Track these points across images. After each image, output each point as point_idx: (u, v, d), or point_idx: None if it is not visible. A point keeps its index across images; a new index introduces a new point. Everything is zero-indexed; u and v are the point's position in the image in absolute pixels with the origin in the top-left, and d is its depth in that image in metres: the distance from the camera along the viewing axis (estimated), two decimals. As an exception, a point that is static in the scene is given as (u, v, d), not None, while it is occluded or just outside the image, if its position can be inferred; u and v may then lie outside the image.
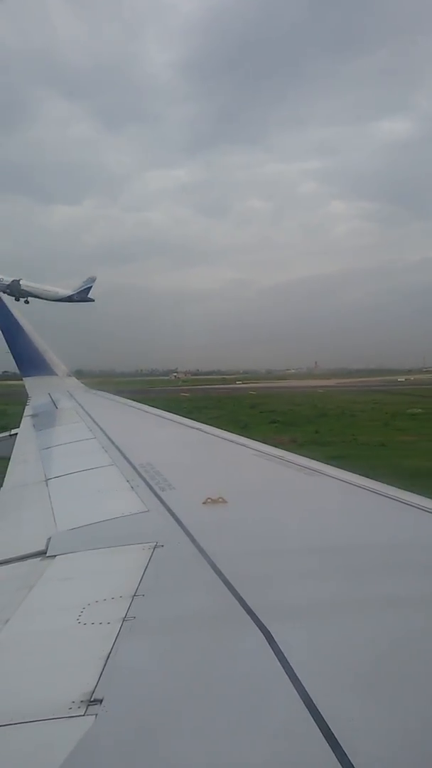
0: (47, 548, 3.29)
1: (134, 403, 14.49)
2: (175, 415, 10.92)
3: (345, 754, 1.35)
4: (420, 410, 44.98)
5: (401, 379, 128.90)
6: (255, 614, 2.09)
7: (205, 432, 8.25)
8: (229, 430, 8.45)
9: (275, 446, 6.88)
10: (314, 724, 1.46)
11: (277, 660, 1.77)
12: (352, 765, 1.31)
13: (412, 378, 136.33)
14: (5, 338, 18.81)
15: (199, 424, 9.24)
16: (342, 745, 1.38)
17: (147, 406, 13.46)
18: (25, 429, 10.67)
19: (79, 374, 22.25)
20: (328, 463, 5.40)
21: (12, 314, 18.84)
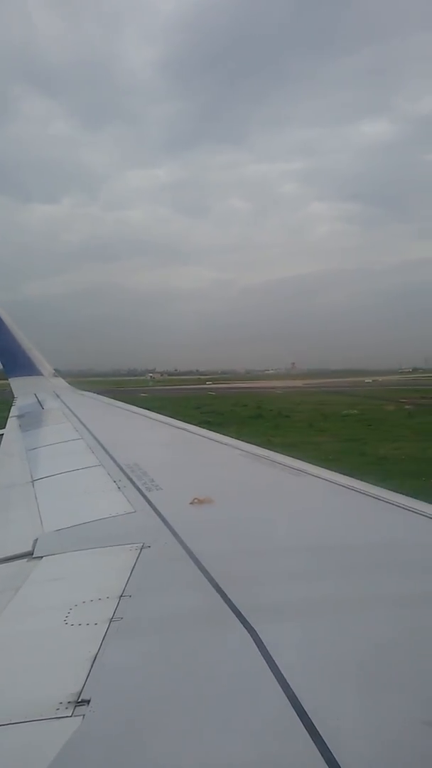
0: (34, 549, 3.27)
1: (122, 404, 14.43)
2: (162, 416, 10.90)
3: (330, 751, 1.36)
4: (355, 411, 45.46)
5: (368, 380, 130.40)
6: (241, 614, 2.10)
7: (192, 433, 8.25)
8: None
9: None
10: (300, 723, 1.48)
11: (263, 659, 1.79)
12: (338, 763, 1.33)
13: (380, 379, 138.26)
14: None
15: (187, 424, 9.23)
16: (327, 743, 1.39)
17: (135, 407, 13.42)
18: (10, 430, 10.58)
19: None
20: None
21: None
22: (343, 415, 42.79)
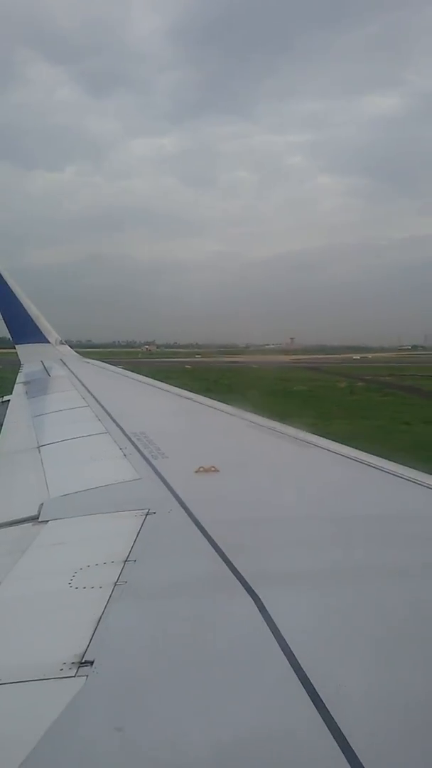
0: (39, 514, 3.30)
1: (129, 373, 14.42)
2: (169, 386, 10.89)
3: (332, 718, 1.37)
4: (304, 388, 45.39)
5: (356, 357, 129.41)
6: (245, 580, 2.11)
7: (199, 402, 8.25)
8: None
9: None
10: (302, 688, 1.49)
11: (266, 625, 1.80)
12: (340, 729, 1.34)
13: (370, 356, 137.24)
14: None
15: (194, 394, 9.22)
16: (329, 709, 1.40)
17: (142, 376, 13.42)
18: (17, 396, 10.62)
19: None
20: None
21: (4, 278, 18.41)
22: (287, 392, 42.54)
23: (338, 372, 68.09)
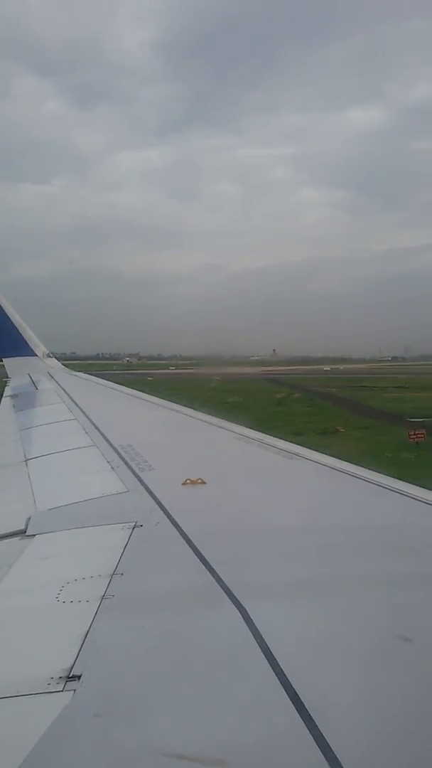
0: (27, 527, 3.29)
1: (116, 386, 14.39)
2: (157, 398, 10.89)
3: (317, 727, 1.39)
4: (237, 399, 46.83)
5: (326, 368, 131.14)
6: (232, 593, 2.12)
7: (186, 415, 8.26)
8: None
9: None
10: (288, 699, 1.50)
11: (252, 637, 1.81)
12: (324, 738, 1.36)
13: (341, 368, 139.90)
14: None
15: (181, 407, 9.23)
16: (315, 720, 1.42)
17: (129, 389, 13.39)
18: (4, 410, 10.55)
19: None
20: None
21: None
22: (221, 402, 43.10)
23: (292, 384, 69.03)
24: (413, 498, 3.46)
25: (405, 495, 3.53)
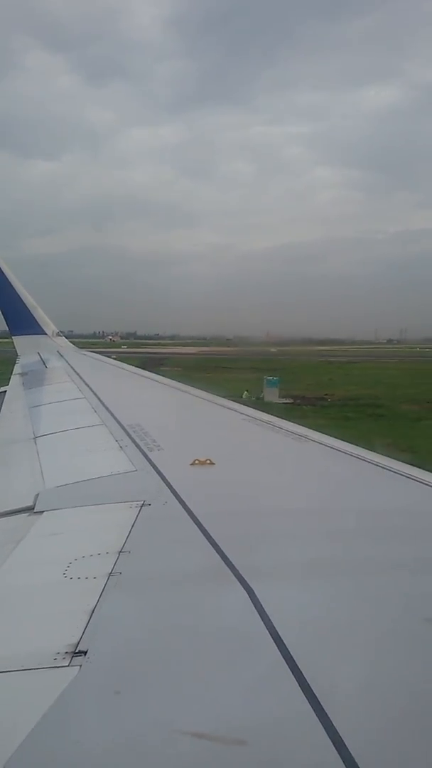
0: (35, 504, 3.30)
1: (126, 365, 14.42)
2: (166, 378, 10.89)
3: (324, 711, 1.38)
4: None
5: (273, 350, 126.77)
6: (239, 572, 2.12)
7: (195, 395, 8.25)
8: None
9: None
10: (295, 680, 1.50)
11: (259, 617, 1.81)
12: (330, 720, 1.35)
13: (320, 349, 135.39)
14: None
15: (189, 387, 9.23)
16: (322, 702, 1.41)
17: (138, 369, 13.41)
18: (14, 387, 10.61)
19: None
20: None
21: (1, 269, 18.30)
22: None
23: (239, 366, 65.60)
24: (424, 483, 3.43)
25: (416, 480, 3.50)
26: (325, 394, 39.63)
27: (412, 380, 49.16)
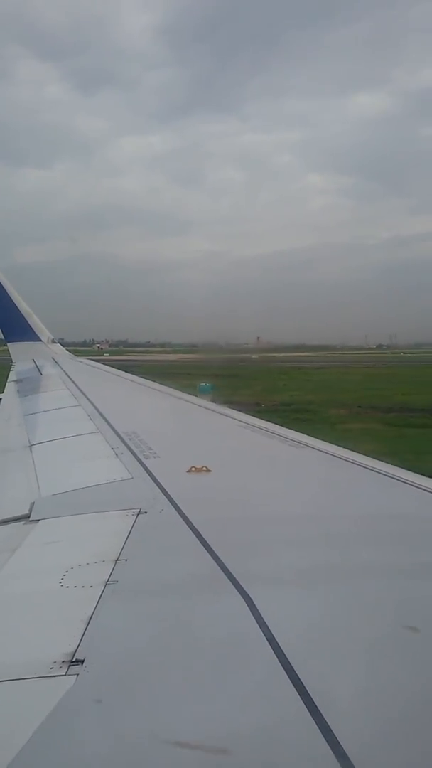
0: (30, 512, 3.29)
1: (121, 372, 14.41)
2: (161, 385, 10.89)
3: (322, 715, 1.38)
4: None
5: (254, 356, 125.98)
6: (236, 580, 2.11)
7: (191, 402, 8.26)
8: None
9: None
10: (293, 687, 1.49)
11: (257, 624, 1.80)
12: (329, 726, 1.34)
13: (276, 356, 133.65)
14: None
15: (185, 394, 9.24)
16: (320, 708, 1.41)
17: (134, 375, 13.40)
18: (9, 395, 10.58)
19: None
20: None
21: None
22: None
23: (200, 373, 64.37)
24: (421, 488, 3.44)
25: (412, 485, 3.51)
26: (260, 401, 39.40)
27: (364, 385, 48.99)
